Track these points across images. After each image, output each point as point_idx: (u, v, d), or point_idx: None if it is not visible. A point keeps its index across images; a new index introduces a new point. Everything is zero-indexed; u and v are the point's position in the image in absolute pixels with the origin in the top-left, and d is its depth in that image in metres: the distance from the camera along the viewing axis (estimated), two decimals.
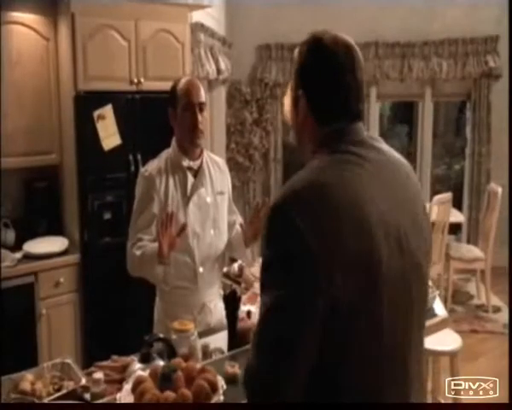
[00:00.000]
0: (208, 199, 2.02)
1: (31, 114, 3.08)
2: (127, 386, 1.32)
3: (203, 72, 4.25)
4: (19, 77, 3.00)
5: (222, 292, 1.97)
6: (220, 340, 1.79)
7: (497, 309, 4.54)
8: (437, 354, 2.43)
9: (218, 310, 2.02)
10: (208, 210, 2.02)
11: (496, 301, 4.67)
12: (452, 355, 2.45)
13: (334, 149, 1.06)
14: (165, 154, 2.04)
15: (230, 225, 2.15)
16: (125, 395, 1.28)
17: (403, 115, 7.52)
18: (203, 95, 1.98)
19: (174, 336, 1.61)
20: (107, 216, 3.15)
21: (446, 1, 5.33)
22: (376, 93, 5.76)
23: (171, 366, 1.32)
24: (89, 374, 1.59)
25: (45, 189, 3.24)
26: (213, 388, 1.29)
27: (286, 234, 0.95)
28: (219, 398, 1.27)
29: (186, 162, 1.99)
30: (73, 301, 3.07)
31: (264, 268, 0.99)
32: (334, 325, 0.96)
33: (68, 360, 1.65)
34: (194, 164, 2.02)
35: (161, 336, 1.59)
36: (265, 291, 0.98)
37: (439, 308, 2.19)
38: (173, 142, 2.03)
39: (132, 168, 3.13)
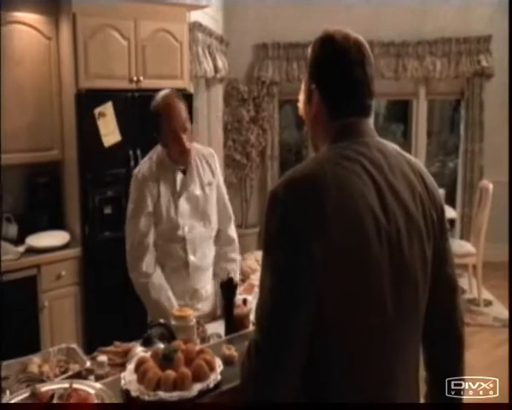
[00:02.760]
0: (197, 192, 2.11)
1: (33, 112, 3.15)
2: (130, 366, 1.40)
3: (201, 70, 4.33)
4: (21, 75, 3.07)
5: (219, 279, 2.05)
6: (217, 326, 1.88)
7: (488, 303, 4.64)
8: None
9: (210, 296, 2.14)
10: (197, 203, 2.11)
11: (487, 295, 4.78)
12: None
13: (338, 144, 1.13)
14: (155, 154, 2.11)
15: (218, 237, 2.24)
16: (128, 375, 1.37)
17: (398, 114, 7.59)
18: (184, 114, 2.01)
19: (174, 322, 1.69)
20: (108, 211, 3.23)
21: (440, 1, 5.42)
22: None
23: (171, 348, 1.41)
24: (93, 359, 1.68)
25: (47, 184, 3.32)
26: (211, 367, 1.37)
27: (279, 216, 1.04)
28: (216, 377, 1.36)
29: (176, 167, 2.09)
30: (74, 293, 3.15)
31: (263, 248, 1.07)
32: (323, 314, 1.04)
33: (73, 345, 1.73)
34: (183, 166, 2.12)
35: (162, 321, 1.68)
36: (264, 269, 1.06)
37: None
38: (159, 148, 2.11)
39: (132, 164, 3.20)
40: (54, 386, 1.31)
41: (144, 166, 2.10)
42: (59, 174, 3.38)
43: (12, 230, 3.12)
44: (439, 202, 1.22)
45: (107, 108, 3.14)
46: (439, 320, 1.26)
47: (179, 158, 2.06)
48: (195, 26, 4.16)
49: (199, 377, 1.33)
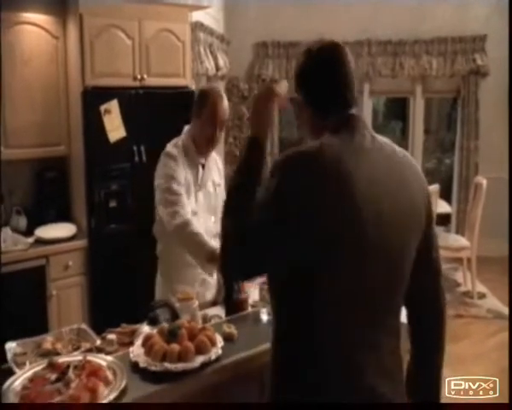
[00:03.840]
0: (211, 189, 2.27)
1: (41, 108, 3.27)
2: (138, 342, 1.53)
3: (202, 68, 4.45)
4: (30, 73, 3.19)
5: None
6: (218, 310, 2.01)
7: (482, 295, 4.77)
8: None
9: (214, 283, 2.26)
10: (211, 199, 2.27)
11: (481, 288, 4.90)
12: None
13: (334, 133, 1.26)
14: (181, 142, 2.21)
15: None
16: (136, 349, 1.50)
17: (397, 112, 7.69)
18: (227, 112, 2.18)
19: (177, 305, 1.82)
20: (113, 204, 3.35)
21: (436, 1, 5.52)
22: (369, 89, 5.97)
23: (176, 324, 1.53)
24: (102, 338, 1.80)
25: (54, 178, 3.43)
26: (212, 342, 1.50)
27: (276, 179, 1.20)
28: (217, 351, 1.49)
29: (198, 158, 2.22)
30: (81, 283, 3.27)
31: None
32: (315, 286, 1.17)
33: (83, 326, 1.86)
34: (203, 160, 2.25)
35: (167, 301, 1.80)
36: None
37: None
38: (188, 134, 2.22)
39: (136, 159, 3.33)
40: (69, 358, 1.44)
41: (174, 149, 2.18)
42: (66, 169, 3.50)
43: (22, 222, 3.24)
44: (425, 192, 1.35)
45: (113, 105, 3.25)
46: (425, 299, 1.40)
47: (207, 145, 2.16)
48: (197, 26, 4.28)
49: (201, 350, 1.46)
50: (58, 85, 3.33)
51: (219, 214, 2.26)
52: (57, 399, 1.24)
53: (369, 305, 1.24)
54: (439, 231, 5.28)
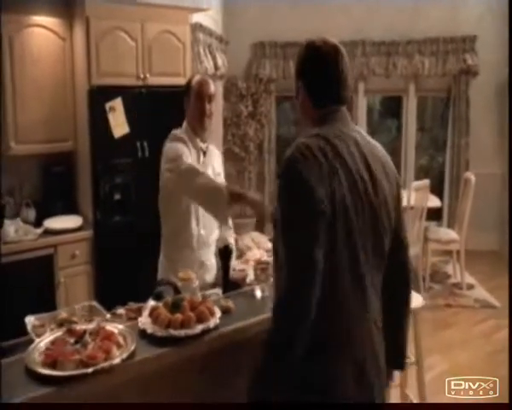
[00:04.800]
0: (211, 176, 2.43)
1: (49, 106, 3.44)
2: (145, 313, 1.72)
3: (202, 68, 4.61)
4: (39, 73, 3.36)
5: (217, 247, 2.35)
6: (216, 290, 2.19)
7: (470, 286, 4.95)
8: None
9: (213, 267, 2.45)
10: None
11: (470, 279, 5.08)
12: (415, 312, 2.82)
13: (323, 126, 1.47)
14: (183, 131, 2.39)
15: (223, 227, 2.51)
16: (143, 319, 1.68)
17: (393, 110, 7.86)
18: (212, 89, 2.40)
19: (179, 284, 2.00)
20: (117, 197, 3.53)
21: (428, 3, 5.70)
22: (364, 88, 6.15)
23: (179, 297, 1.72)
24: (112, 314, 1.98)
25: (62, 173, 3.61)
26: (211, 313, 1.69)
27: (288, 174, 1.38)
28: (216, 320, 1.67)
29: (199, 142, 2.40)
30: (87, 271, 3.45)
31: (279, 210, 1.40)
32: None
33: (94, 303, 2.04)
34: (204, 146, 2.43)
35: (170, 280, 1.99)
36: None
37: None
38: (185, 124, 2.42)
39: (139, 154, 3.51)
40: (84, 326, 1.62)
41: (182, 133, 2.37)
42: (73, 164, 3.67)
43: (31, 214, 3.42)
44: (396, 177, 1.57)
45: (117, 103, 3.43)
46: (395, 271, 1.60)
47: (200, 120, 2.34)
48: (197, 27, 4.45)
49: (201, 319, 1.64)
50: (65, 84, 3.50)
51: None
52: (76, 357, 1.43)
53: (361, 276, 1.43)
54: (431, 225, 5.48)
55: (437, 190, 5.97)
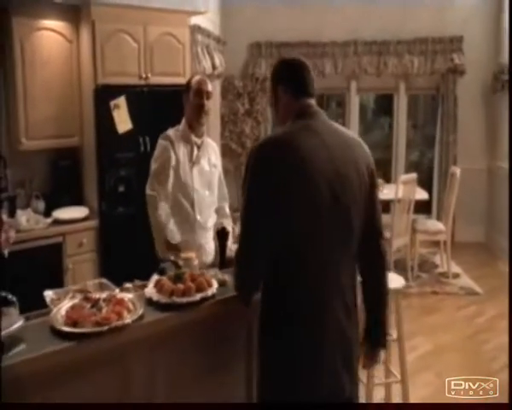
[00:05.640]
0: (206, 168, 2.68)
1: (57, 104, 3.67)
2: (150, 285, 1.95)
3: (200, 67, 4.84)
4: (48, 73, 3.59)
5: (215, 229, 2.60)
6: (214, 270, 2.42)
7: (456, 275, 5.20)
8: None
9: (211, 250, 2.69)
10: (206, 175, 2.68)
11: (457, 269, 5.33)
12: (396, 292, 3.05)
13: (297, 120, 1.70)
14: (176, 129, 2.67)
15: (217, 211, 2.80)
16: (149, 290, 1.91)
17: (385, 108, 8.09)
18: (210, 87, 2.64)
19: (180, 262, 2.24)
20: (121, 189, 3.76)
21: (418, 4, 5.94)
22: (356, 87, 6.39)
23: (181, 271, 1.96)
24: (121, 289, 2.22)
25: (69, 166, 3.84)
26: (209, 284, 1.92)
27: (254, 164, 1.62)
28: (213, 290, 1.91)
29: (193, 137, 2.64)
30: (93, 258, 3.68)
31: (242, 189, 1.65)
32: (286, 242, 1.59)
33: (104, 280, 2.28)
34: (199, 140, 2.67)
35: (172, 258, 2.23)
36: (243, 205, 1.63)
37: None
38: (183, 121, 2.67)
39: (142, 149, 3.75)
40: (98, 295, 1.86)
41: (172, 132, 2.65)
42: (79, 158, 3.90)
43: (40, 205, 3.65)
44: (369, 165, 1.76)
45: (121, 101, 3.67)
46: (371, 256, 1.82)
47: (197, 115, 2.59)
48: (195, 29, 4.67)
49: (200, 289, 1.88)
50: (72, 84, 3.73)
51: (214, 189, 2.70)
52: (93, 318, 1.66)
53: (329, 256, 1.65)
54: (420, 218, 5.73)
55: (426, 184, 6.22)
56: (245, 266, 1.69)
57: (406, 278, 4.95)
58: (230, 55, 5.88)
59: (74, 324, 1.65)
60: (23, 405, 1.53)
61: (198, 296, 1.85)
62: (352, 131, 1.86)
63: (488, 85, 5.88)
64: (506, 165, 5.49)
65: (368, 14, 5.99)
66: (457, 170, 5.16)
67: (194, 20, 4.57)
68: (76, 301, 1.82)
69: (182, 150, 2.61)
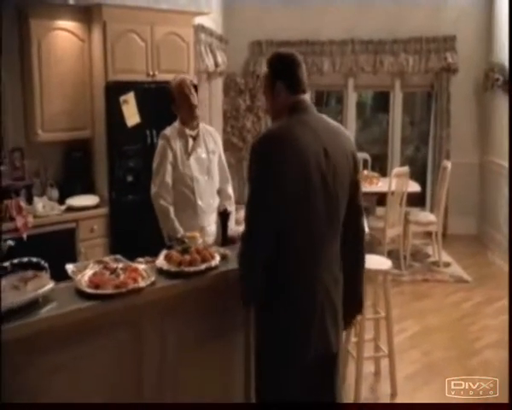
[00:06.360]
0: (203, 155, 2.94)
1: (71, 99, 3.92)
2: (161, 257, 2.21)
3: (203, 65, 5.08)
4: (62, 70, 3.84)
5: (218, 211, 2.86)
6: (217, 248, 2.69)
7: (447, 264, 5.44)
8: (373, 273, 3.26)
9: (213, 232, 2.95)
10: (203, 163, 2.95)
11: (448, 258, 5.58)
12: (384, 273, 3.30)
13: (292, 114, 1.93)
14: (173, 127, 2.96)
15: (220, 193, 3.07)
16: (159, 261, 2.17)
17: (384, 105, 8.33)
18: (190, 79, 2.93)
19: (186, 240, 2.49)
20: (130, 179, 4.01)
21: (413, 5, 6.16)
22: (353, 84, 6.63)
23: (188, 245, 2.22)
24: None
25: (81, 157, 4.08)
26: (212, 256, 2.18)
27: (257, 158, 1.86)
28: (216, 261, 2.17)
29: (187, 131, 2.90)
30: (104, 243, 3.93)
31: (248, 180, 1.90)
32: (282, 226, 1.83)
33: (118, 256, 2.53)
34: (193, 132, 2.94)
35: (179, 236, 2.49)
36: (249, 195, 1.87)
37: None
38: (178, 120, 2.96)
39: (149, 141, 4.00)
40: (116, 264, 2.12)
41: (168, 131, 2.94)
42: (90, 149, 4.14)
43: (54, 193, 3.91)
44: (353, 153, 2.02)
45: (130, 97, 3.92)
46: (351, 232, 2.07)
47: (189, 112, 2.87)
48: (199, 28, 4.91)
49: (205, 260, 2.14)
50: (84, 80, 3.97)
51: (214, 174, 2.96)
52: (112, 282, 1.92)
53: (319, 233, 1.90)
54: (413, 210, 5.97)
55: (421, 178, 6.46)
56: (252, 245, 1.89)
57: (399, 267, 5.22)
58: (232, 54, 6.10)
59: (96, 287, 1.91)
60: (23, 405, 1.71)
61: (203, 266, 2.12)
62: (339, 124, 2.10)
63: (480, 83, 6.11)
64: (497, 159, 5.73)
65: (365, 14, 6.21)
66: (448, 164, 5.40)
67: (198, 20, 4.82)
68: (97, 269, 2.07)
69: (178, 145, 2.89)
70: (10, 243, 1.98)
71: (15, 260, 1.83)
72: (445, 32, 6.15)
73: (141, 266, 2.14)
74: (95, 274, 2.01)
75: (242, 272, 1.96)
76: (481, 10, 6.10)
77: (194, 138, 2.94)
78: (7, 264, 1.82)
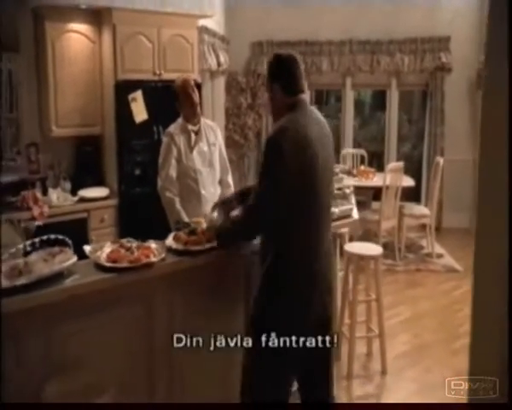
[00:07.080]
0: (205, 148, 3.19)
1: (82, 97, 4.16)
2: (170, 237, 2.46)
3: (206, 64, 5.31)
4: (74, 70, 4.09)
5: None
6: None
7: (440, 256, 5.68)
8: (364, 258, 3.50)
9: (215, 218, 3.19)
10: (205, 155, 3.20)
11: (441, 250, 5.82)
12: (375, 258, 3.54)
13: (293, 111, 2.14)
14: (176, 123, 3.21)
15: (220, 182, 3.32)
16: (169, 241, 2.42)
17: (381, 103, 8.55)
18: (193, 79, 3.17)
19: (192, 225, 2.74)
20: (138, 172, 4.26)
21: (408, 7, 6.40)
22: (351, 83, 6.87)
23: (194, 227, 2.47)
24: None
25: (92, 152, 4.33)
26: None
27: (272, 151, 2.07)
28: None
29: (190, 127, 3.15)
30: (113, 233, 4.18)
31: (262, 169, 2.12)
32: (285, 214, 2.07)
33: (130, 239, 2.78)
34: (195, 127, 3.19)
35: (186, 221, 2.74)
36: (260, 180, 2.10)
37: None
38: (181, 117, 3.21)
39: (156, 136, 4.24)
40: (130, 244, 2.37)
41: (172, 128, 3.19)
42: (101, 145, 4.38)
43: (67, 185, 4.16)
44: (332, 143, 2.28)
45: (138, 95, 4.16)
46: None
47: (191, 110, 3.11)
48: (202, 30, 5.14)
49: (209, 240, 2.38)
50: (95, 79, 4.22)
51: (215, 165, 3.20)
52: (128, 258, 2.17)
53: (318, 214, 2.15)
54: (408, 204, 6.20)
55: (417, 174, 6.70)
56: (255, 217, 2.12)
57: (394, 258, 5.46)
58: (234, 53, 6.33)
59: (114, 261, 2.16)
60: (23, 405, 1.85)
61: (207, 245, 2.36)
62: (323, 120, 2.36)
63: (473, 82, 6.33)
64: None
65: (362, 15, 6.44)
66: (441, 160, 5.64)
67: (202, 22, 5.05)
68: (113, 247, 2.32)
69: (181, 140, 3.14)
70: (38, 223, 2.21)
71: (44, 237, 2.07)
72: (440, 33, 6.38)
73: (152, 244, 2.39)
74: (112, 251, 2.26)
75: (236, 235, 2.26)
76: (475, 12, 6.32)
77: (196, 133, 3.19)
78: (36, 240, 2.06)
